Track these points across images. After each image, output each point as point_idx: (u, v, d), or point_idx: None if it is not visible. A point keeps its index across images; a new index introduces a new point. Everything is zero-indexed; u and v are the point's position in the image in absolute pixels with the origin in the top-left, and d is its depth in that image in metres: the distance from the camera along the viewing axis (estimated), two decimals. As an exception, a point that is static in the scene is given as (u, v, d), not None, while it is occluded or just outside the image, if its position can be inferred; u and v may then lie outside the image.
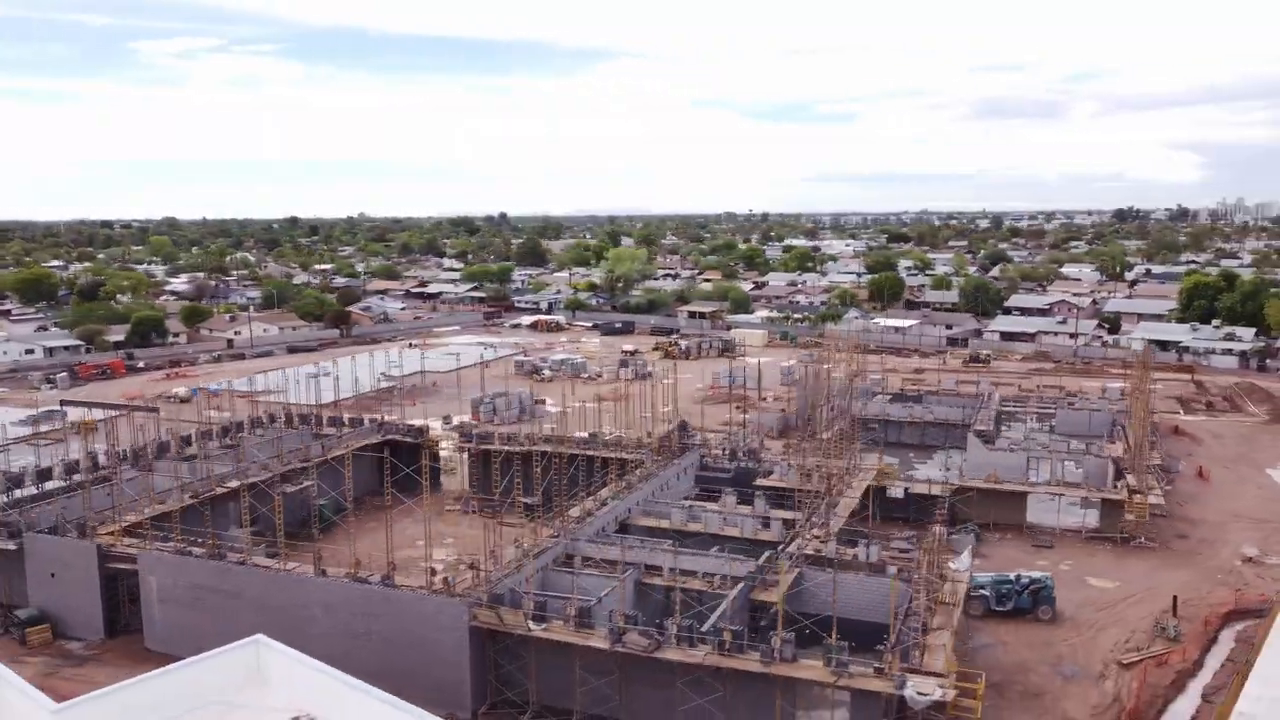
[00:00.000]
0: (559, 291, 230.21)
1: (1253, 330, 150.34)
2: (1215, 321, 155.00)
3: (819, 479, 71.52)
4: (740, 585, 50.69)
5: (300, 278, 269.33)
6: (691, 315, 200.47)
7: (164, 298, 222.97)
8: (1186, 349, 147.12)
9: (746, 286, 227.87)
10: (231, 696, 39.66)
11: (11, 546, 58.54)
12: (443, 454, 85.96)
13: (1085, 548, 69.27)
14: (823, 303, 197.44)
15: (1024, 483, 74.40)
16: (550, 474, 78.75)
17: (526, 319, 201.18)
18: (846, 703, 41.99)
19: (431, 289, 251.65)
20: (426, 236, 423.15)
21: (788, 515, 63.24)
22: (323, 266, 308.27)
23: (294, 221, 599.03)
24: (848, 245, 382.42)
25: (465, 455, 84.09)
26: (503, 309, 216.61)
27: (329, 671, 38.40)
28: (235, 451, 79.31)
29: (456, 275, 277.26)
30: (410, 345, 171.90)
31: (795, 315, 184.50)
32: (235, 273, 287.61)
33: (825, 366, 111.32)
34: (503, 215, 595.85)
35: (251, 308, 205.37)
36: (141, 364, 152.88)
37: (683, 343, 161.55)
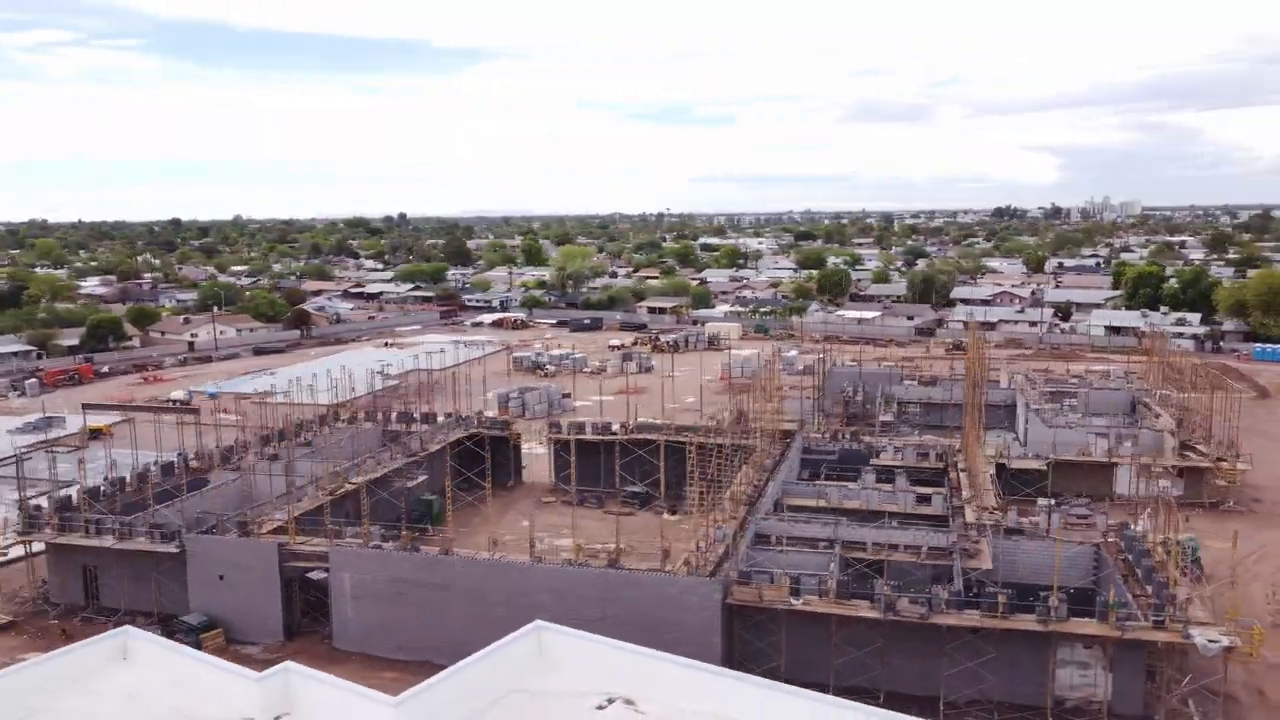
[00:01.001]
0: (510, 290, 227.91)
1: (1198, 315, 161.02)
2: (1163, 308, 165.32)
3: (935, 457, 74.03)
4: (955, 556, 52.32)
5: (223, 279, 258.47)
6: (651, 311, 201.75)
7: (81, 302, 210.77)
8: (1144, 334, 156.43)
9: (693, 284, 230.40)
10: (528, 684, 39.22)
11: (173, 550, 55.46)
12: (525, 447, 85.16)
13: (1181, 514, 73.66)
14: (785, 297, 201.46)
15: (1112, 455, 78.41)
16: (648, 463, 79.27)
17: (487, 317, 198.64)
18: (1104, 657, 44.19)
19: (370, 289, 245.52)
20: (336, 237, 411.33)
21: (929, 490, 65.21)
22: (239, 268, 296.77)
23: (177, 223, 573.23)
24: (761, 244, 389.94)
25: (552, 446, 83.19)
26: (457, 308, 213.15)
27: (622, 647, 38.40)
28: (326, 449, 76.88)
29: (388, 275, 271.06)
30: (386, 344, 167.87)
31: (762, 309, 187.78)
32: (149, 275, 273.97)
33: (847, 356, 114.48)
34: (402, 216, 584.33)
35: (189, 309, 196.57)
36: (105, 368, 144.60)
37: (665, 337, 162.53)
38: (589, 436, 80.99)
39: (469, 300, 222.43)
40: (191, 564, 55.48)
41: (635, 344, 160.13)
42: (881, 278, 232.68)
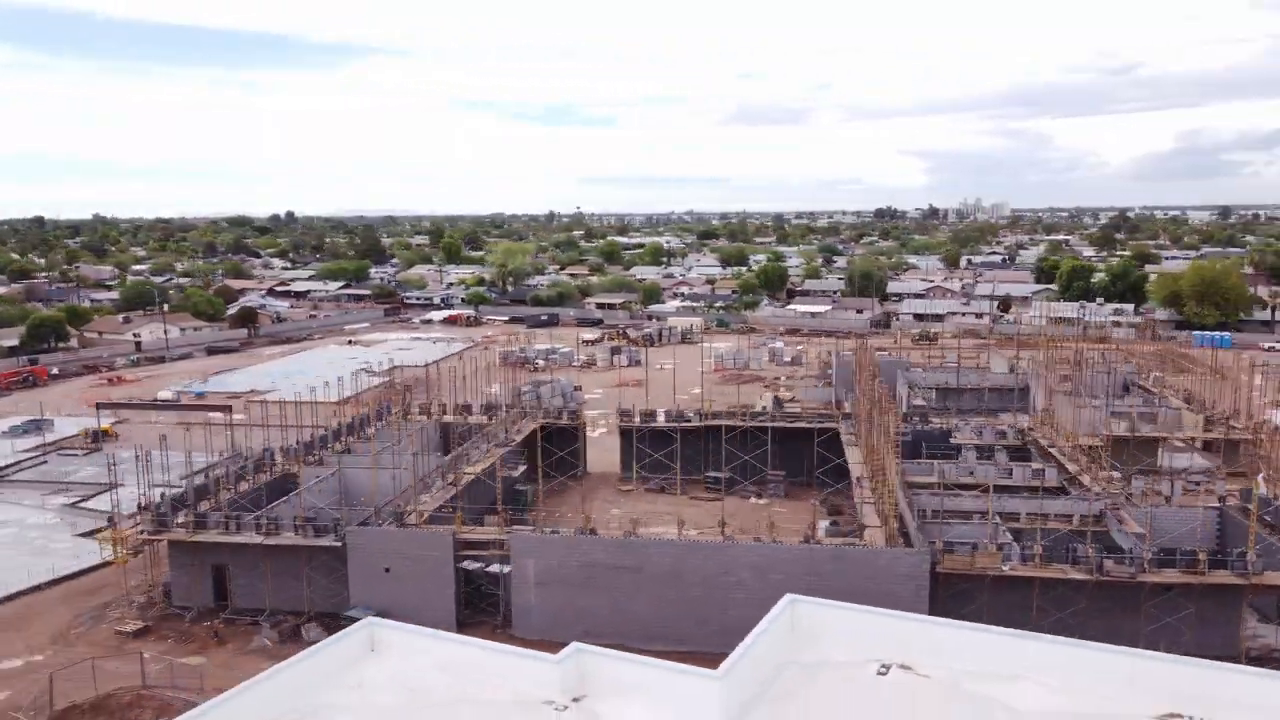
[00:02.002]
0: (450, 287, 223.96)
1: (1131, 306, 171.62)
2: (1099, 299, 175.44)
3: (1014, 435, 77.26)
4: (1109, 522, 55.13)
5: (132, 279, 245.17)
6: (600, 307, 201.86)
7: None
8: (1088, 324, 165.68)
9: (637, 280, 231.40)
10: (798, 656, 40.03)
11: (332, 543, 53.28)
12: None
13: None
14: (734, 292, 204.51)
15: (1157, 431, 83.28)
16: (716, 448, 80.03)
17: (437, 315, 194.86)
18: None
19: (296, 288, 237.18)
20: (225, 236, 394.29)
21: (1037, 465, 68.16)
22: (140, 267, 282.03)
23: (40, 221, 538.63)
24: (668, 242, 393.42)
25: (625, 434, 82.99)
26: (399, 306, 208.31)
27: (880, 613, 39.64)
28: (399, 444, 74.83)
29: (307, 274, 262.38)
30: (350, 342, 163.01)
31: (716, 304, 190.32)
32: (43, 275, 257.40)
33: (823, 349, 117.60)
34: (290, 214, 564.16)
35: (108, 310, 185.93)
36: (55, 369, 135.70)
37: (634, 332, 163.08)
38: (661, 424, 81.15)
39: (408, 298, 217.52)
40: (353, 557, 53.43)
41: (603, 339, 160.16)
42: (814, 273, 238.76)
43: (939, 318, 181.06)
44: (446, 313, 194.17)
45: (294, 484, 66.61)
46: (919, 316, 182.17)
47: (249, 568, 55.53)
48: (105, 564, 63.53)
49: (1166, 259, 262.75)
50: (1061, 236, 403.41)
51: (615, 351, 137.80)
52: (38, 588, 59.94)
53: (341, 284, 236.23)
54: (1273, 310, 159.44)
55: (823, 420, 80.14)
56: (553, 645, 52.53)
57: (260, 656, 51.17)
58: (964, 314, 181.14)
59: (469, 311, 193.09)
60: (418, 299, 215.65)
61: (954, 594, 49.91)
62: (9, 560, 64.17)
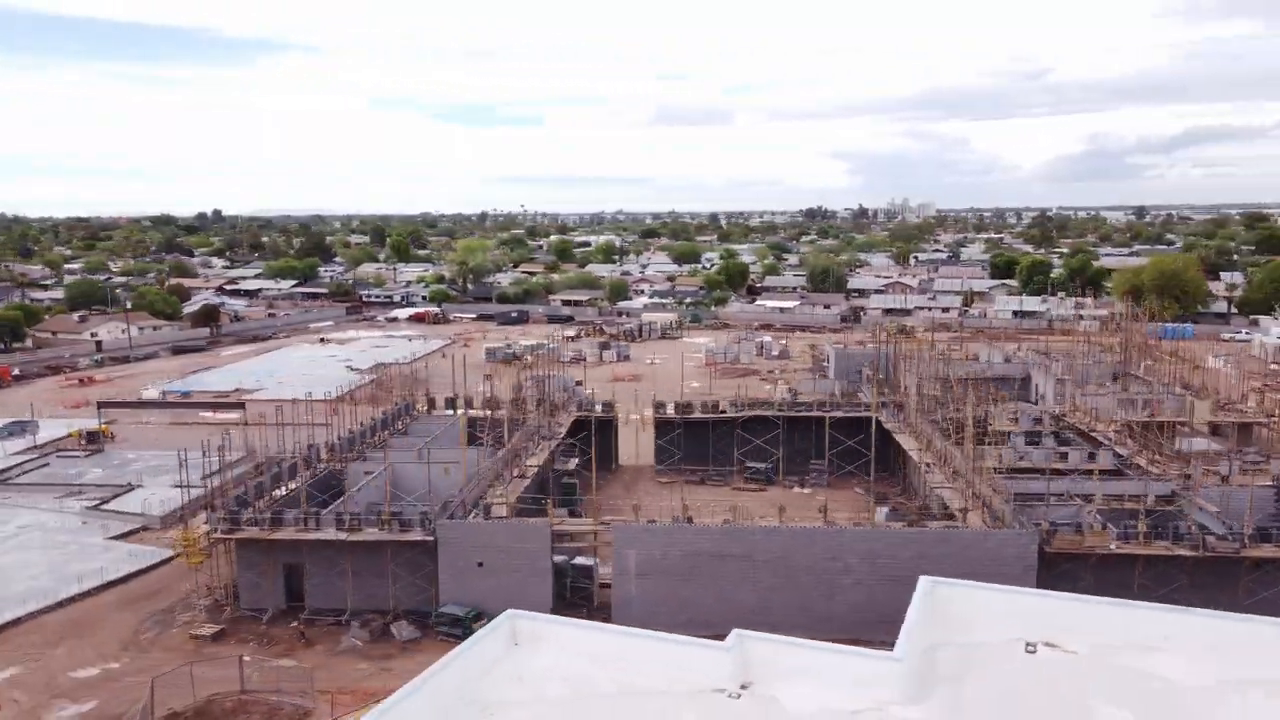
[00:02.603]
0: (407, 285, 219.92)
1: (1090, 299, 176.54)
2: (1061, 294, 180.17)
3: (1048, 421, 78.58)
4: (1181, 502, 56.36)
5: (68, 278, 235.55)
6: (566, 303, 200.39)
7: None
8: (1053, 318, 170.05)
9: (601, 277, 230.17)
10: (946, 638, 40.23)
11: (427, 538, 51.54)
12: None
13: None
14: (701, 289, 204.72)
15: (1170, 417, 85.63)
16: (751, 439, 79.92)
17: (402, 312, 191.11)
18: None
19: (245, 286, 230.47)
20: (158, 235, 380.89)
21: (1088, 449, 69.39)
22: (72, 267, 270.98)
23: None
24: (620, 241, 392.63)
25: (660, 426, 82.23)
26: (360, 304, 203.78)
27: (1012, 591, 40.00)
28: (439, 438, 73.12)
29: (256, 272, 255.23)
30: (321, 340, 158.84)
31: (687, 300, 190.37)
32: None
33: (804, 343, 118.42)
34: (217, 213, 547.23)
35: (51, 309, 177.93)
36: (17, 370, 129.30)
37: (614, 329, 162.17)
38: (698, 415, 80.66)
39: (366, 296, 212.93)
40: (444, 551, 51.76)
41: (581, 335, 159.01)
42: (772, 270, 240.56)
43: (907, 312, 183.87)
44: (412, 310, 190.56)
45: (338, 481, 64.58)
46: (887, 311, 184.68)
47: (326, 566, 53.41)
48: (154, 566, 60.80)
49: (1104, 255, 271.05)
50: (993, 235, 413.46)
51: (605, 347, 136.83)
52: (88, 593, 56.79)
53: (294, 282, 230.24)
54: (1229, 303, 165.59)
55: (857, 410, 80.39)
56: (654, 637, 51.59)
57: (354, 657, 49.31)
58: (931, 308, 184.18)
59: (435, 309, 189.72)
60: (377, 297, 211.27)
61: (1058, 574, 50.40)
62: (48, 565, 60.75)
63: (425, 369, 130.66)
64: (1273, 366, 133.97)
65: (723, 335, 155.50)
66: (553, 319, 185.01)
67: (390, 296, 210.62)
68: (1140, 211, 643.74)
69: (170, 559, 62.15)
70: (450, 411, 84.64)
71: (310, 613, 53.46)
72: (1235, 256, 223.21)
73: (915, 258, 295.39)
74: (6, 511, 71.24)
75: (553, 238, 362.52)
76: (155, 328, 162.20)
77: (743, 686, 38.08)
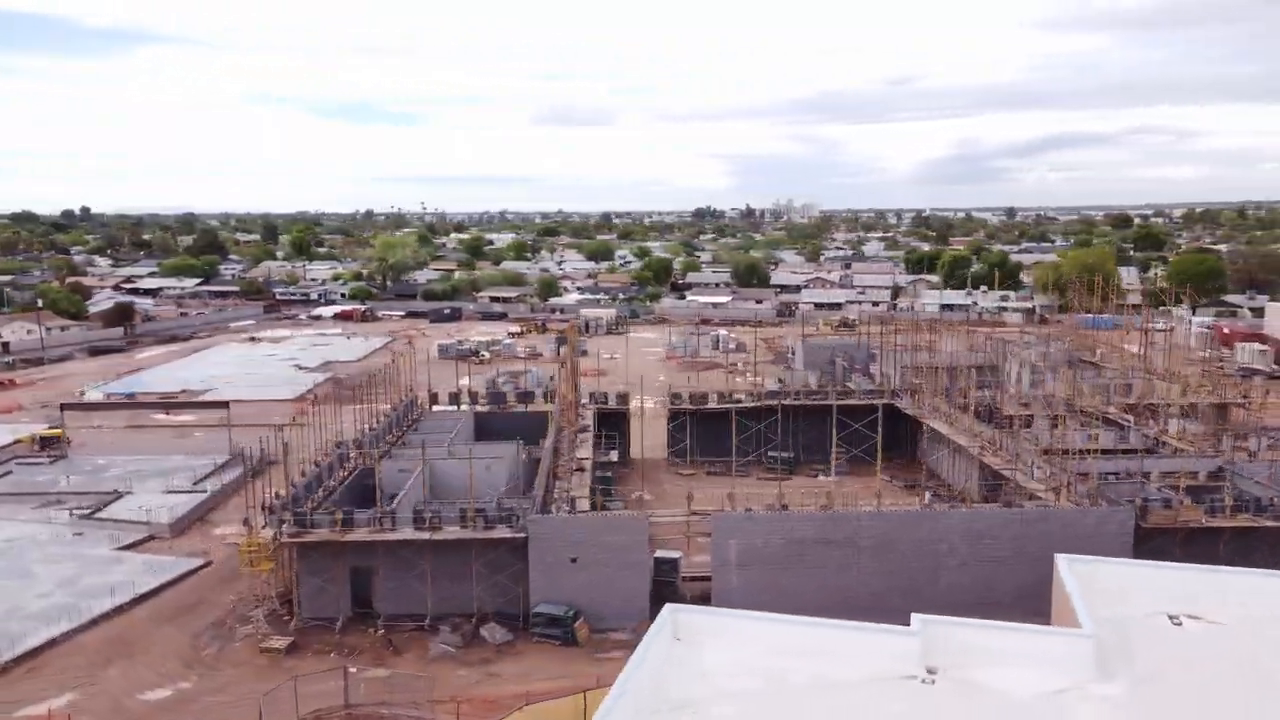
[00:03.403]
0: (323, 283, 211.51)
1: (1013, 293, 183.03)
2: (983, 287, 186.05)
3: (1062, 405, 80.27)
4: (1228, 477, 58.18)
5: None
6: (494, 300, 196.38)
7: None
8: (983, 310, 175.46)
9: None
10: (1100, 613, 40.57)
11: (517, 535, 48.66)
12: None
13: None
14: (634, 284, 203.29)
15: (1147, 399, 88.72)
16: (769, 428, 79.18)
17: (326, 310, 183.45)
18: None
19: (144, 285, 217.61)
20: (25, 232, 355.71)
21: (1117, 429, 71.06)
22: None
23: None
24: (531, 240, 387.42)
25: (674, 417, 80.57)
26: (275, 302, 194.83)
27: (1153, 566, 41.00)
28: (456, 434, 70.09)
29: (150, 270, 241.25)
30: (251, 340, 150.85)
31: (620, 296, 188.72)
32: None
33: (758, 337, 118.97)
34: (85, 211, 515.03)
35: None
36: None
37: (550, 324, 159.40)
38: (714, 406, 79.37)
39: (280, 294, 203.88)
40: (535, 548, 48.98)
41: (525, 332, 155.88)
42: (692, 267, 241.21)
43: (837, 306, 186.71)
44: (337, 308, 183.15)
45: (370, 480, 60.70)
46: (818, 306, 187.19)
47: (402, 568, 49.92)
48: (183, 577, 55.89)
49: (1016, 251, 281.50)
50: (883, 234, 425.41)
51: (561, 342, 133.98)
52: (119, 609, 51.64)
53: (198, 281, 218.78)
54: (1145, 295, 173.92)
55: (872, 397, 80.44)
56: (755, 628, 49.87)
57: (451, 664, 46.12)
58: (860, 302, 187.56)
59: (361, 306, 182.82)
60: (293, 295, 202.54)
61: (1150, 549, 51.07)
62: (58, 581, 55.14)
63: (393, 366, 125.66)
64: (1199, 353, 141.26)
65: (669, 330, 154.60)
66: (486, 316, 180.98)
67: (307, 295, 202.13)
68: (1011, 212, 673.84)
69: (198, 569, 57.33)
70: (454, 407, 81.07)
71: (385, 619, 49.85)
72: (1132, 253, 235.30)
73: (824, 255, 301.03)
74: (-17, 524, 64.53)
75: (460, 235, 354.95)
76: (63, 328, 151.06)
77: (929, 671, 36.79)
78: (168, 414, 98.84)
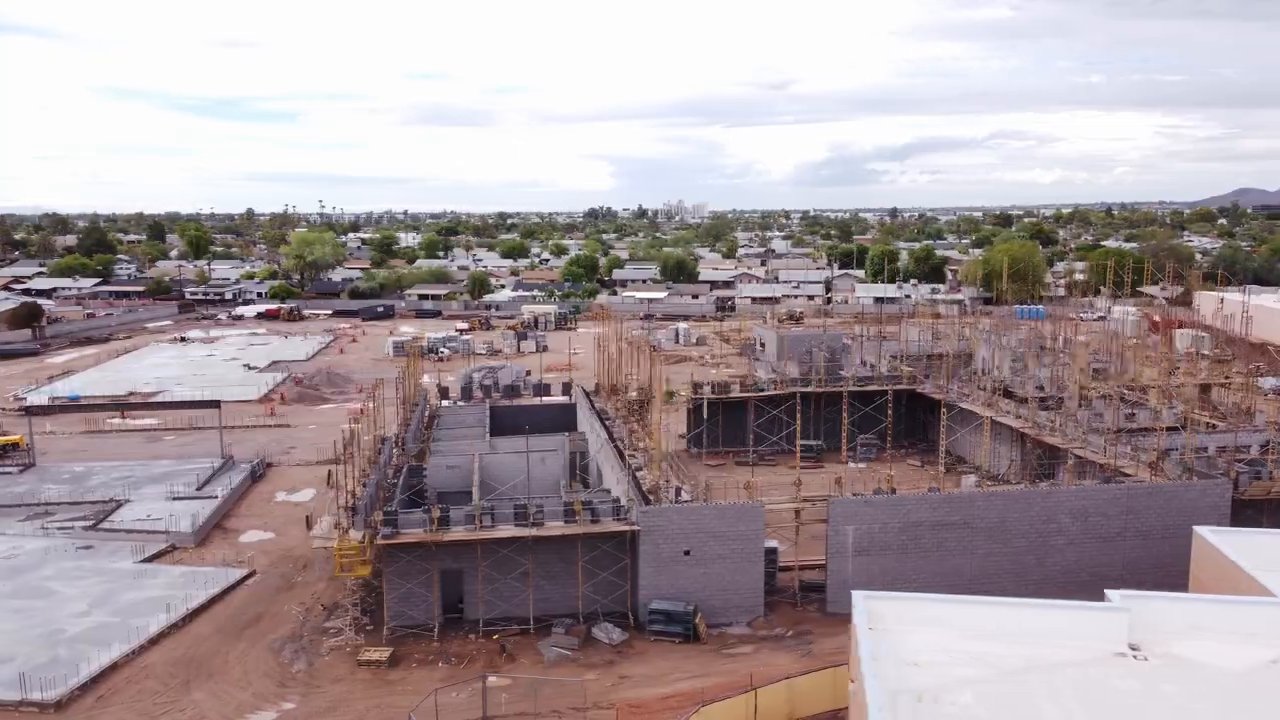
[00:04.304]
0: (237, 282, 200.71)
1: (941, 286, 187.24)
2: (913, 281, 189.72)
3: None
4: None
5: None
6: (423, 297, 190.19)
7: None
8: (916, 303, 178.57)
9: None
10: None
11: (629, 528, 45.70)
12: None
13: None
14: (568, 280, 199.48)
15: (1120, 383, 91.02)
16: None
17: (248, 310, 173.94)
18: None
19: (35, 285, 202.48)
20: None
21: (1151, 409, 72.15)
22: None
23: None
24: (414, 237, 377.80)
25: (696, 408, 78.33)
26: (190, 302, 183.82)
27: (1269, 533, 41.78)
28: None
29: (35, 270, 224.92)
30: (180, 340, 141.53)
31: (558, 292, 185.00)
32: None
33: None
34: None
35: None
36: None
37: (510, 320, 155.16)
38: (736, 395, 77.57)
39: (190, 294, 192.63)
40: (646, 541, 46.10)
41: (474, 328, 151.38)
42: (616, 264, 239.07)
43: (775, 300, 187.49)
44: (261, 307, 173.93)
45: (419, 477, 56.66)
46: (756, 300, 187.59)
47: (500, 568, 46.32)
48: (232, 588, 50.78)
49: (901, 247, 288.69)
50: (784, 234, 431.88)
51: (522, 338, 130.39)
52: (175, 626, 46.42)
53: (96, 281, 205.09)
54: (1068, 287, 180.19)
55: (895, 384, 79.98)
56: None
57: (573, 668, 42.84)
58: (796, 296, 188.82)
59: (287, 305, 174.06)
60: (207, 295, 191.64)
61: (1242, 520, 51.57)
62: (94, 599, 49.43)
63: (331, 367, 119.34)
64: (1133, 341, 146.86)
65: (620, 325, 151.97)
66: (421, 314, 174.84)
67: (221, 294, 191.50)
68: (894, 213, 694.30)
69: (245, 578, 52.23)
70: (462, 402, 77.10)
71: (484, 623, 46.15)
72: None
73: (740, 253, 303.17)
74: (-29, 540, 57.58)
75: (361, 235, 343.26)
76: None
77: (1132, 648, 35.68)
78: (124, 417, 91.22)
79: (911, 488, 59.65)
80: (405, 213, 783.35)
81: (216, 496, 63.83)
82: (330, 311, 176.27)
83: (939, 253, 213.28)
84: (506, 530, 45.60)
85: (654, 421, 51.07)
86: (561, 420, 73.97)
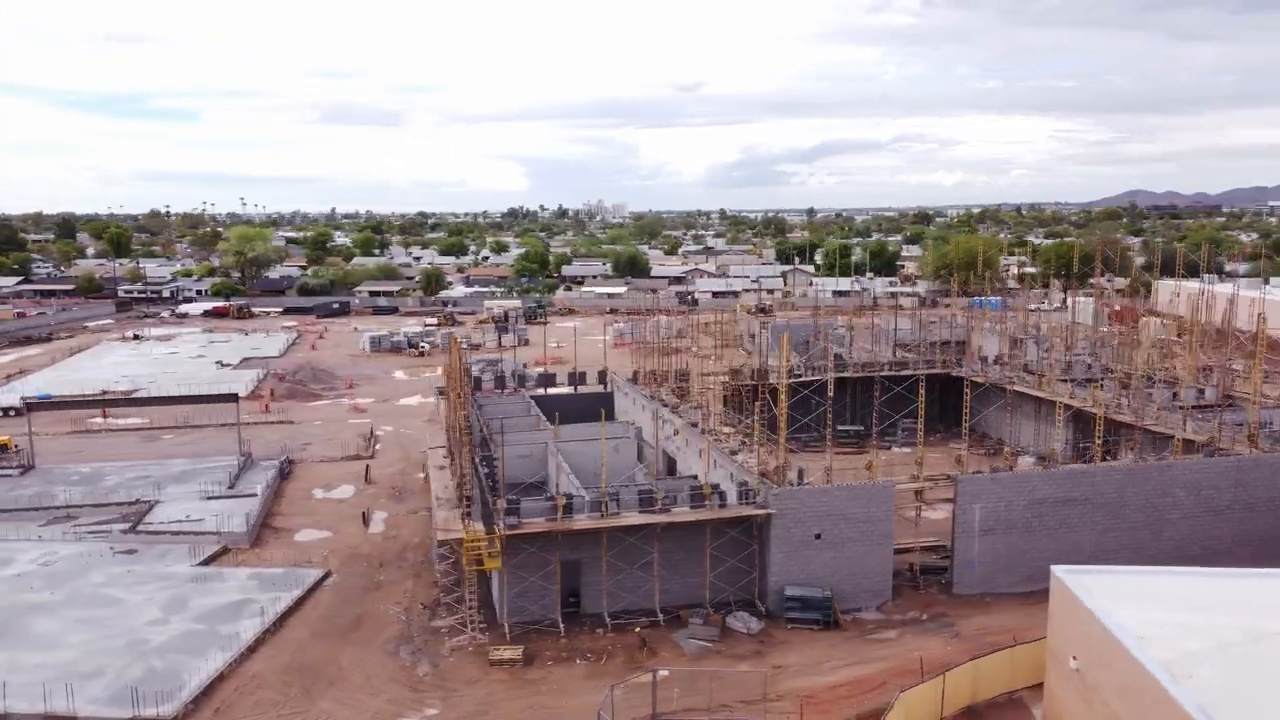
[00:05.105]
0: (173, 280, 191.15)
1: (894, 279, 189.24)
2: (868, 274, 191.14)
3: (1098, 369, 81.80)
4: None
5: None
6: (373, 294, 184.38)
7: None
8: (876, 295, 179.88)
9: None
10: None
11: (762, 511, 43.45)
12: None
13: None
14: (524, 275, 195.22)
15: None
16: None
17: (193, 308, 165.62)
18: None
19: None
20: None
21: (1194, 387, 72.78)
22: None
23: None
24: (340, 236, 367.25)
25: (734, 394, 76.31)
26: (127, 301, 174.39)
27: None
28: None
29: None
30: (134, 337, 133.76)
31: (517, 287, 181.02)
32: None
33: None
34: None
35: None
36: None
37: (459, 316, 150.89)
38: (775, 381, 75.70)
39: (124, 292, 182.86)
40: (778, 525, 43.92)
41: (443, 323, 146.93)
42: (564, 260, 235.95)
43: (736, 294, 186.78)
44: (206, 305, 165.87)
45: (490, 466, 53.46)
46: (715, 294, 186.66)
47: (625, 558, 43.59)
48: (313, 590, 46.90)
49: (855, 243, 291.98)
50: (710, 233, 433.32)
51: (503, 332, 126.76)
52: (269, 631, 42.44)
53: (17, 280, 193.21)
54: (1021, 280, 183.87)
55: (930, 368, 79.33)
56: (993, 599, 47.12)
57: (718, 659, 40.37)
58: (756, 290, 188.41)
59: (237, 303, 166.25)
60: (144, 293, 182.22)
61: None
62: (162, 605, 45.05)
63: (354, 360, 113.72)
64: (1102, 330, 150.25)
65: (602, 319, 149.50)
66: (379, 311, 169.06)
67: (159, 293, 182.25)
68: (811, 212, 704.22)
69: (322, 579, 48.31)
70: (501, 391, 73.85)
71: (607, 615, 43.35)
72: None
73: (682, 250, 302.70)
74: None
75: (286, 233, 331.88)
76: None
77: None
78: (105, 416, 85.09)
79: (972, 470, 58.83)
80: (334, 210, 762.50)
81: (256, 495, 59.33)
82: (280, 309, 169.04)
83: (889, 248, 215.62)
84: (633, 518, 42.93)
85: (780, 407, 48.66)
86: (599, 409, 71.30)
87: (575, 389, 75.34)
